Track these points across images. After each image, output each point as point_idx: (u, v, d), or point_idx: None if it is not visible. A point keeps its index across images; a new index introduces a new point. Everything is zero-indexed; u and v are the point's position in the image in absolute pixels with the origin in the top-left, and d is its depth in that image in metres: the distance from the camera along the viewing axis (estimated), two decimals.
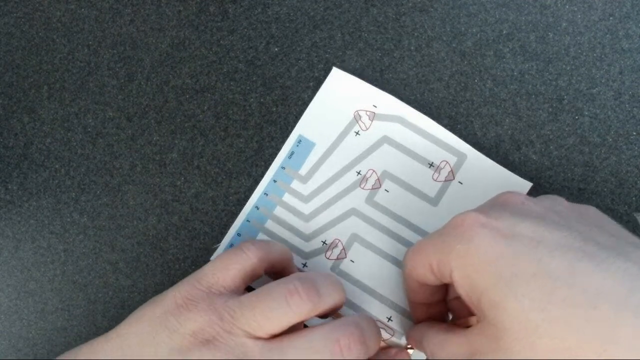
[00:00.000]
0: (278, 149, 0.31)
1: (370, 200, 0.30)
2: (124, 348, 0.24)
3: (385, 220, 0.29)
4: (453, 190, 0.29)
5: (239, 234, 0.30)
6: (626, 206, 0.29)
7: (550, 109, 0.30)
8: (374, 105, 0.30)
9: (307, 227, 0.30)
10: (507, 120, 0.30)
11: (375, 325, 0.25)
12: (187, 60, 0.33)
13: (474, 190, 0.29)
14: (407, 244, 0.29)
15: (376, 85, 0.31)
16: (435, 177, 0.29)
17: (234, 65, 0.33)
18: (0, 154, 0.34)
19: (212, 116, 0.32)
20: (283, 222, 0.30)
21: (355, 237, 0.29)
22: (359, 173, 0.30)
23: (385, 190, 0.30)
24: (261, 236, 0.30)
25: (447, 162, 0.29)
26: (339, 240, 0.30)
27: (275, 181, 0.31)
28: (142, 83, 0.33)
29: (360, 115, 0.30)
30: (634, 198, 0.29)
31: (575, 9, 0.31)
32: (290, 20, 0.33)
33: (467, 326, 0.23)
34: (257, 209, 0.31)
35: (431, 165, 0.29)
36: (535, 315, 0.18)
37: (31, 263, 0.32)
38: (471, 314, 0.25)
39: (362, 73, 0.32)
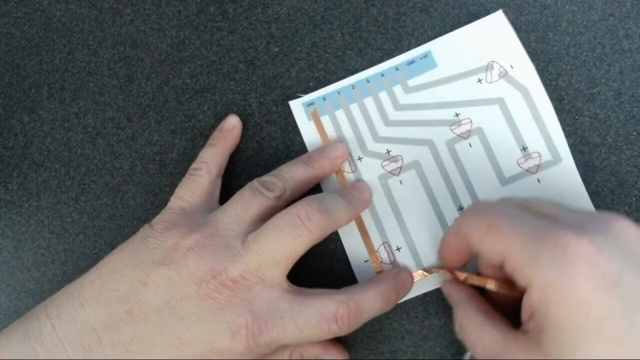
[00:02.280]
0: (278, 149, 0.31)
1: (451, 144, 0.29)
2: (104, 275, 0.25)
3: (451, 170, 0.29)
4: (528, 183, 0.29)
5: (324, 98, 0.31)
6: (626, 206, 0.29)
7: None
8: (511, 66, 0.30)
9: (382, 130, 0.30)
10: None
11: (336, 196, 0.26)
12: (187, 60, 0.33)
13: (546, 194, 0.28)
14: (456, 201, 0.29)
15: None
16: (520, 162, 0.29)
17: (234, 65, 0.33)
18: (0, 154, 0.34)
19: (212, 116, 0.32)
20: (365, 112, 0.30)
21: (416, 165, 0.29)
22: (457, 115, 0.29)
23: (469, 144, 0.29)
24: (339, 113, 0.31)
25: (539, 155, 0.29)
26: (401, 158, 0.30)
27: (382, 75, 0.31)
28: (142, 83, 0.33)
29: (492, 67, 0.30)
30: (634, 198, 0.29)
31: (575, 9, 0.31)
32: (290, 20, 0.33)
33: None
34: (353, 88, 0.31)
35: (524, 149, 0.29)
36: None
37: (31, 263, 0.32)
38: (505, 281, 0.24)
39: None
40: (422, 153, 0.30)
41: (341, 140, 0.30)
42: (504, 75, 0.29)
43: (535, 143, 0.29)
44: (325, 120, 0.31)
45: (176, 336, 0.23)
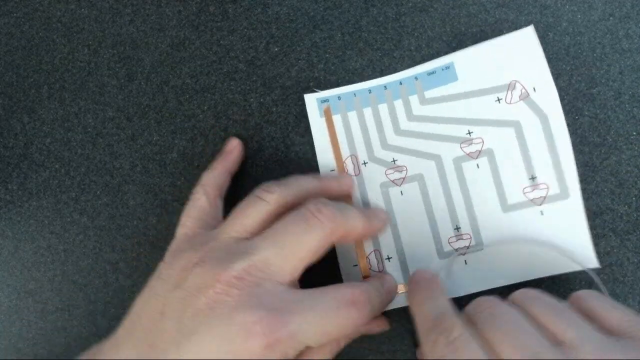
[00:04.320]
0: (278, 149, 0.31)
1: (458, 162, 0.29)
2: (134, 316, 0.25)
3: (454, 188, 0.28)
4: (530, 214, 0.27)
5: (339, 97, 0.31)
6: (626, 206, 0.28)
7: None
8: (533, 88, 0.28)
9: (391, 138, 0.30)
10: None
11: (347, 205, 0.26)
12: (187, 60, 0.33)
13: (547, 230, 0.27)
14: (453, 221, 0.28)
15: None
16: (525, 191, 0.28)
17: (234, 65, 0.33)
18: (0, 154, 0.34)
19: (212, 116, 0.32)
20: (378, 118, 0.30)
21: (419, 178, 0.29)
22: (469, 133, 0.29)
23: (477, 165, 0.28)
24: (352, 114, 0.30)
25: (547, 187, 0.27)
26: (406, 169, 0.29)
27: (400, 83, 0.30)
28: (142, 83, 0.33)
29: (514, 87, 0.28)
30: (634, 198, 0.29)
31: (575, 9, 0.31)
32: (290, 20, 0.33)
33: None
34: (369, 92, 0.30)
35: (532, 178, 0.28)
36: None
37: (31, 263, 0.32)
38: None
39: (362, 73, 0.32)
40: (428, 167, 0.29)
41: (351, 178, 0.30)
42: (525, 97, 0.28)
43: (545, 174, 0.28)
44: (336, 119, 0.31)
45: (193, 356, 0.22)
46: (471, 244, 0.28)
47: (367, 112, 0.30)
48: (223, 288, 0.23)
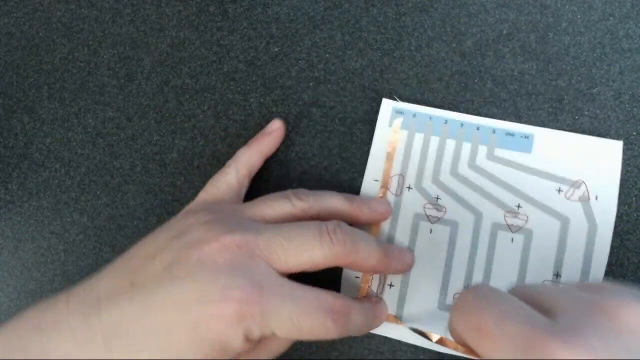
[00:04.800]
0: (278, 149, 0.31)
1: (495, 228, 0.28)
2: (124, 256, 0.25)
3: (481, 250, 0.28)
4: None
5: (414, 115, 0.30)
6: (626, 206, 0.28)
7: (550, 109, 0.30)
8: (596, 197, 0.28)
9: (445, 176, 0.29)
10: (507, 120, 0.30)
11: (371, 237, 0.26)
12: (187, 60, 0.33)
13: None
14: (467, 279, 0.28)
15: (375, 86, 0.31)
16: (546, 284, 0.27)
17: (234, 65, 0.33)
18: (0, 154, 0.34)
19: (212, 116, 0.32)
20: (441, 151, 0.29)
21: (453, 225, 0.28)
22: (518, 206, 0.28)
23: (512, 239, 0.28)
24: (419, 136, 0.30)
25: None
26: (445, 211, 0.29)
27: (477, 129, 0.30)
28: (142, 83, 0.33)
29: (579, 186, 0.28)
30: (634, 198, 0.29)
31: (575, 9, 0.31)
32: (290, 20, 0.33)
33: None
34: (445, 122, 0.30)
35: (557, 275, 0.27)
36: None
37: (31, 263, 0.32)
38: None
39: (362, 73, 0.32)
40: (466, 219, 0.29)
41: (390, 203, 0.29)
42: (584, 200, 0.28)
43: (570, 277, 0.27)
44: (402, 134, 0.30)
45: (167, 299, 0.22)
46: None
47: (434, 140, 0.30)
48: (219, 248, 0.23)
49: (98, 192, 0.32)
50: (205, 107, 0.33)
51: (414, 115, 0.30)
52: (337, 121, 0.31)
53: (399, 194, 0.29)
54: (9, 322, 0.24)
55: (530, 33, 0.31)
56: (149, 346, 0.22)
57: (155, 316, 0.22)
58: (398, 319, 0.28)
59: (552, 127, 0.30)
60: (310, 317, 0.23)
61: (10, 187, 0.33)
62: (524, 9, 0.31)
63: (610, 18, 0.30)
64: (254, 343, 0.23)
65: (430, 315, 0.28)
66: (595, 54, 0.30)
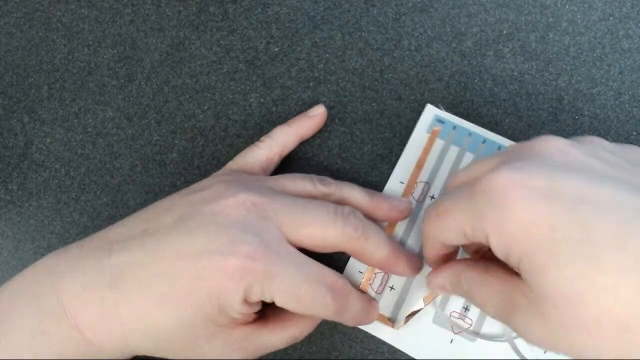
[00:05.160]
0: None
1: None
2: (140, 211, 0.26)
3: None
4: None
5: (454, 127, 0.30)
6: None
7: (550, 109, 0.30)
8: None
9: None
10: (507, 120, 0.30)
11: (384, 234, 0.26)
12: (187, 60, 0.33)
13: None
14: (466, 303, 0.27)
15: (375, 86, 0.31)
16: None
17: (234, 65, 0.33)
18: (0, 154, 0.34)
19: (212, 116, 0.32)
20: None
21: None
22: None
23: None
24: (453, 149, 0.29)
25: None
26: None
27: (497, 144, 0.29)
28: (142, 83, 0.33)
29: None
30: None
31: (575, 9, 0.31)
32: (290, 20, 0.33)
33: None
34: (483, 142, 0.29)
35: None
36: (581, 284, 0.17)
37: (31, 263, 0.32)
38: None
39: (362, 73, 0.32)
40: None
41: (411, 204, 0.29)
42: None
43: None
44: (438, 143, 0.30)
45: (175, 248, 0.23)
46: (469, 327, 0.27)
47: (468, 156, 0.29)
48: (233, 204, 0.23)
49: (98, 192, 0.32)
50: (205, 107, 0.33)
51: (454, 128, 0.30)
52: (337, 121, 0.31)
53: (421, 201, 0.29)
54: (28, 268, 0.25)
55: (530, 33, 0.31)
56: (151, 292, 0.22)
57: (162, 263, 0.22)
58: (392, 322, 0.28)
59: (551, 128, 0.30)
60: (312, 288, 0.23)
61: (10, 187, 0.33)
62: (524, 9, 0.31)
63: (610, 18, 0.30)
64: (250, 313, 0.23)
65: (423, 327, 0.27)
66: (595, 54, 0.30)
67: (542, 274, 0.18)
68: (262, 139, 0.29)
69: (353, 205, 0.27)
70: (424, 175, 0.30)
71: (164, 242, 0.23)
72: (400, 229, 0.29)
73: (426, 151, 0.30)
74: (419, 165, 0.30)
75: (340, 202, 0.27)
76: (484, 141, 0.30)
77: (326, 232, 0.24)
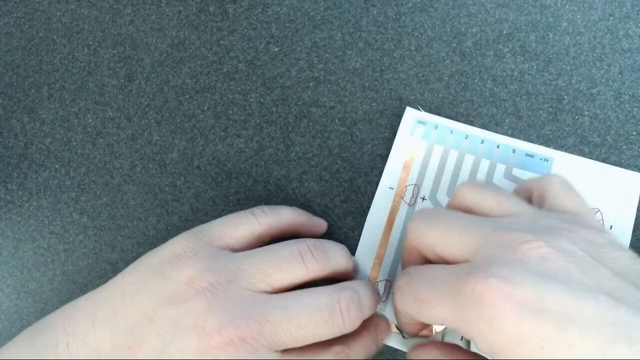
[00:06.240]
0: (278, 149, 0.31)
1: None
2: (117, 297, 0.24)
3: None
4: None
5: (436, 126, 0.30)
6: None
7: (550, 109, 0.30)
8: (610, 226, 0.28)
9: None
10: (507, 120, 0.30)
11: (373, 292, 0.25)
12: (187, 60, 0.33)
13: None
14: None
15: (375, 86, 0.31)
16: None
17: (234, 65, 0.33)
18: (0, 154, 0.34)
19: (212, 116, 0.32)
20: (459, 166, 0.29)
21: None
22: None
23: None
24: (438, 148, 0.29)
25: None
26: None
27: (497, 147, 0.29)
28: (142, 83, 0.33)
29: (594, 212, 0.27)
30: None
31: (575, 9, 0.31)
32: (290, 20, 0.33)
33: None
34: (465, 137, 0.30)
35: None
36: None
37: (31, 263, 0.32)
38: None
39: (362, 73, 0.32)
40: None
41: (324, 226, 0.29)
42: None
43: None
44: (422, 144, 0.30)
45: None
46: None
47: (453, 154, 0.30)
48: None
49: (98, 192, 0.32)
50: (205, 107, 0.33)
51: (436, 127, 0.30)
52: (337, 121, 0.31)
53: (412, 204, 0.29)
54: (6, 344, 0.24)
55: (530, 33, 0.31)
56: None
57: None
58: (400, 330, 0.27)
59: (551, 128, 0.30)
60: (316, 323, 0.22)
61: (10, 187, 0.33)
62: (524, 9, 0.31)
63: (610, 18, 0.30)
64: None
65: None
66: (595, 54, 0.30)
67: None
68: (265, 211, 0.27)
69: (293, 227, 0.27)
70: (412, 178, 0.30)
71: None
72: (396, 234, 0.29)
73: (411, 154, 0.30)
74: (406, 168, 0.30)
75: (283, 230, 0.27)
76: (467, 137, 0.30)
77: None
